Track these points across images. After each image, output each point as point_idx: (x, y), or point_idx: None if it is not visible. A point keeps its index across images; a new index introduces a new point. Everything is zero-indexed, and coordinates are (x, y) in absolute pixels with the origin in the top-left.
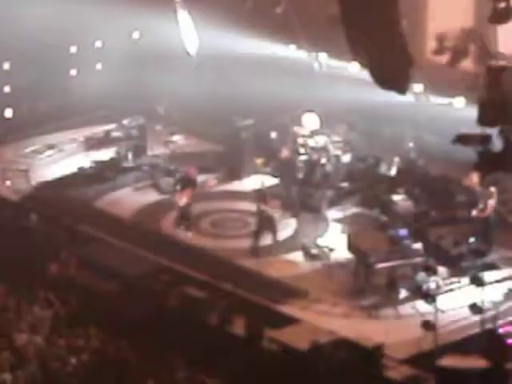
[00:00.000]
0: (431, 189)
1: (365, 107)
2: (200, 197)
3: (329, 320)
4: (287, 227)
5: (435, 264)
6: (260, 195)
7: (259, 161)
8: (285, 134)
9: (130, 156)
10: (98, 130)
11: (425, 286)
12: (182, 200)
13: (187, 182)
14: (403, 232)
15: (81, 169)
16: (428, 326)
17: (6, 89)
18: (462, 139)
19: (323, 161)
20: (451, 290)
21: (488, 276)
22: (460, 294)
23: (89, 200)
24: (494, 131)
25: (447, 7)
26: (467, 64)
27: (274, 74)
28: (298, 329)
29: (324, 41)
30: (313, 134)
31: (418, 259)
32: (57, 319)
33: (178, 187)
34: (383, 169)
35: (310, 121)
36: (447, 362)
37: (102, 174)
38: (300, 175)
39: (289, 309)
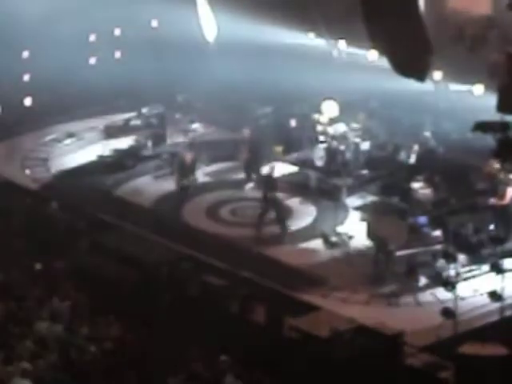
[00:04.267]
0: (451, 176)
1: (384, 95)
2: (219, 185)
3: (348, 307)
4: (307, 215)
5: (455, 251)
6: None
7: (278, 149)
8: (304, 122)
9: (149, 144)
10: (118, 118)
11: (444, 274)
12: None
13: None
14: (423, 219)
15: (100, 157)
16: (448, 313)
17: (26, 77)
18: (482, 126)
19: (342, 148)
20: (471, 277)
21: (508, 263)
22: (480, 281)
23: (108, 188)
24: None
25: None
26: (486, 51)
27: (293, 62)
28: (318, 316)
29: (343, 28)
30: (332, 121)
31: (438, 247)
32: (76, 308)
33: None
34: (403, 156)
35: (330, 108)
36: (467, 349)
37: (122, 163)
38: (319, 163)
39: (308, 296)
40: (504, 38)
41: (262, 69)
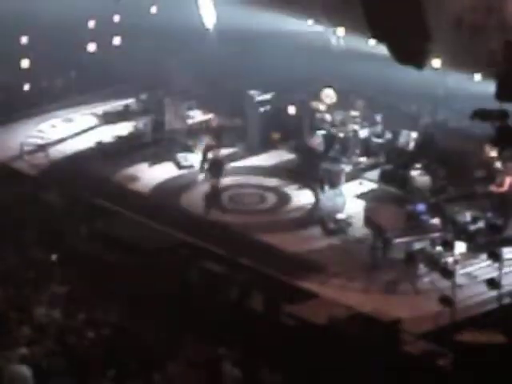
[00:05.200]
0: (449, 164)
1: (382, 82)
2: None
3: (346, 295)
4: (305, 202)
5: (453, 239)
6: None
7: (276, 136)
8: (303, 109)
9: (148, 131)
10: (117, 104)
11: (442, 261)
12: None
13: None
14: (421, 207)
15: (99, 143)
16: (446, 301)
17: (25, 63)
18: (480, 114)
19: (341, 136)
20: (469, 265)
21: (506, 251)
22: (478, 269)
23: (107, 175)
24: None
25: None
26: (485, 39)
27: (291, 49)
28: (316, 303)
29: (342, 15)
30: (331, 108)
31: (436, 234)
32: (75, 294)
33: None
34: (401, 144)
35: (328, 96)
36: (465, 337)
37: (120, 149)
38: (318, 150)
39: (306, 284)
40: (503, 26)
41: (261, 56)
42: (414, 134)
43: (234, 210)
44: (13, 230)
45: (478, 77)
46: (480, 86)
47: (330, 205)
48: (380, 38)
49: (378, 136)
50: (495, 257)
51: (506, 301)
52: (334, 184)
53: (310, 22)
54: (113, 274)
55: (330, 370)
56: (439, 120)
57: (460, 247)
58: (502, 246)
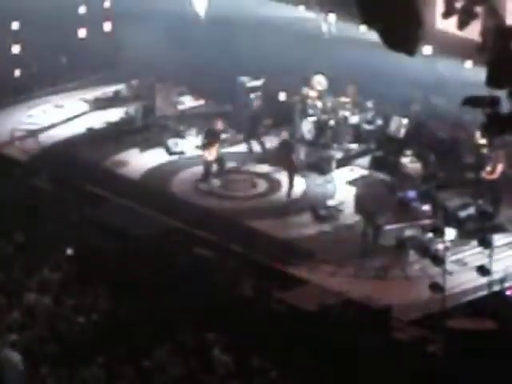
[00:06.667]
0: (440, 151)
1: (373, 69)
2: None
3: (337, 281)
4: (296, 188)
5: (443, 226)
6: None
7: (267, 122)
8: (294, 96)
9: (138, 116)
10: (107, 90)
11: (433, 248)
12: (211, 154)
13: (213, 136)
14: (411, 194)
15: (90, 129)
16: (436, 287)
17: (15, 49)
18: (471, 101)
19: (332, 122)
20: (459, 251)
21: (496, 238)
22: (468, 256)
23: (97, 160)
24: (502, 93)
25: None
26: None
27: (283, 36)
28: (306, 290)
29: (333, 1)
30: (322, 95)
31: (427, 221)
32: (65, 280)
33: (205, 141)
34: (392, 130)
35: (319, 82)
36: (455, 323)
37: (111, 135)
38: (309, 136)
39: (297, 270)
40: (493, 12)
41: (253, 42)
42: (405, 121)
43: (225, 196)
44: (3, 215)
45: (468, 63)
46: (471, 72)
47: (321, 191)
48: (371, 24)
49: (369, 122)
50: (486, 244)
51: (496, 287)
52: (324, 170)
53: (301, 8)
54: (102, 259)
55: (319, 356)
56: (430, 107)
57: (450, 234)
58: (492, 232)
